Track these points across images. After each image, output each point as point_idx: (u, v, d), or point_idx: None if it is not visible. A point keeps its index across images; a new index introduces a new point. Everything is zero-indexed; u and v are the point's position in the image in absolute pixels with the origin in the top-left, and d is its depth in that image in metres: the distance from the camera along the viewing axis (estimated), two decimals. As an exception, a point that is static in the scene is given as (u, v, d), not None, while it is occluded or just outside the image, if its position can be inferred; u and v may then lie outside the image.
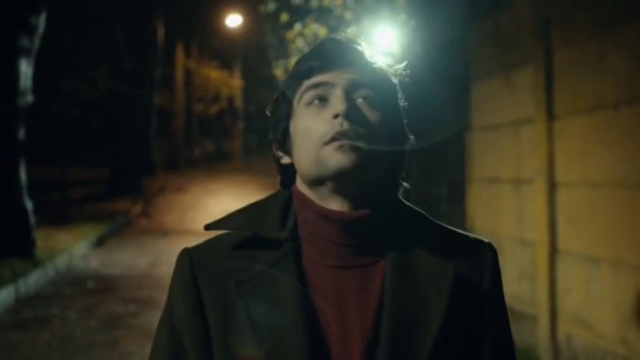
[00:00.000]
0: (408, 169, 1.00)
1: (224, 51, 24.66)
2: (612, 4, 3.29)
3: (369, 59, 0.98)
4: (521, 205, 4.42)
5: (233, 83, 25.28)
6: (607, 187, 3.39)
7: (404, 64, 1.04)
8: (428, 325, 0.91)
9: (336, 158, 0.90)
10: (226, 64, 25.15)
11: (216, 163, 24.02)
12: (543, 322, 4.00)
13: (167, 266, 7.93)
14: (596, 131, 3.47)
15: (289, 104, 0.98)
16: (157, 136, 18.99)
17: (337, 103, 0.92)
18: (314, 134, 0.93)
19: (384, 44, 7.66)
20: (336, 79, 0.95)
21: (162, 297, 6.03)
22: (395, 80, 1.00)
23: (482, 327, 0.96)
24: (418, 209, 1.02)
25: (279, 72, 9.44)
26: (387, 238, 0.96)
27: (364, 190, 0.94)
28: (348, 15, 8.24)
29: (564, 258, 3.85)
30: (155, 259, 8.38)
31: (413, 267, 0.94)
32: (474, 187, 5.30)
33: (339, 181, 0.92)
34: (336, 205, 0.94)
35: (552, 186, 3.95)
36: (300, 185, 0.99)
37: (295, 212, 0.98)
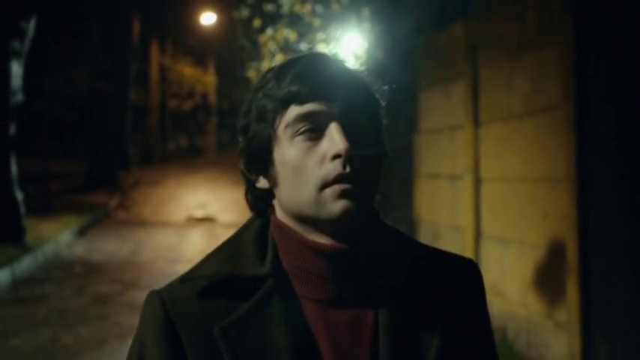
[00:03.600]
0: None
1: (198, 48, 25.25)
2: (518, 37, 4.10)
3: (359, 81, 0.92)
4: (455, 197, 5.24)
5: (207, 80, 25.88)
6: (514, 182, 4.22)
7: (371, 73, 0.96)
8: (425, 357, 0.88)
9: (340, 204, 0.85)
10: (200, 61, 25.74)
11: (190, 158, 24.62)
12: (469, 293, 4.82)
13: (147, 254, 8.61)
14: (507, 137, 4.29)
15: (270, 126, 0.90)
16: (131, 131, 19.54)
17: (336, 142, 0.85)
18: (310, 173, 0.86)
19: (350, 47, 8.44)
20: (331, 110, 0.87)
21: (145, 278, 6.83)
22: (378, 98, 0.95)
23: (471, 346, 0.93)
24: (398, 230, 0.98)
25: (252, 74, 10.15)
26: (376, 269, 0.91)
27: (355, 224, 0.89)
28: (317, 22, 8.99)
29: (486, 240, 4.68)
30: (135, 248, 9.03)
31: (405, 298, 0.90)
32: (420, 181, 6.12)
33: (339, 224, 0.87)
34: (322, 238, 0.89)
35: (477, 181, 4.77)
36: (280, 215, 0.92)
37: (275, 244, 0.92)
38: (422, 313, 0.90)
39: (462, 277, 0.96)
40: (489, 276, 4.62)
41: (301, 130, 0.87)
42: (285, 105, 0.88)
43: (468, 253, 4.85)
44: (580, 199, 3.44)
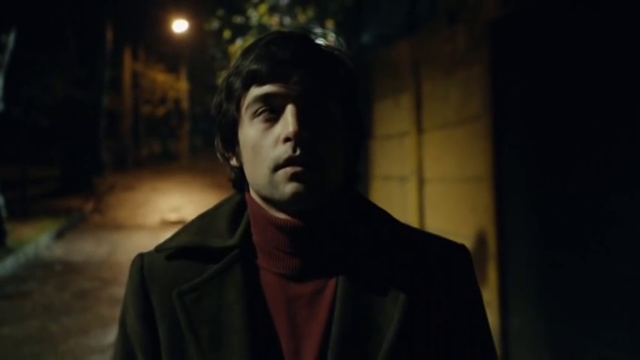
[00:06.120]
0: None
1: (171, 55, 25.64)
2: (452, 56, 4.73)
3: (323, 60, 0.91)
4: (404, 197, 5.84)
5: (179, 86, 26.28)
6: (450, 182, 4.83)
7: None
8: (382, 336, 0.87)
9: (290, 186, 0.86)
10: (173, 68, 26.13)
11: (164, 163, 24.96)
12: (416, 281, 5.43)
13: (124, 254, 9.04)
14: (444, 143, 4.91)
15: (235, 107, 0.92)
16: (105, 136, 19.86)
17: (288, 124, 0.86)
18: (264, 154, 0.88)
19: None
20: (288, 92, 0.87)
21: (123, 276, 7.36)
22: (352, 67, 0.95)
23: (455, 330, 0.92)
24: (381, 208, 0.98)
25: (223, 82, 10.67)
26: (341, 245, 0.92)
27: (318, 202, 0.89)
28: (284, 32, 9.54)
29: (429, 234, 5.29)
30: (112, 249, 9.48)
31: (368, 275, 0.90)
32: (376, 183, 6.72)
33: (293, 204, 0.88)
34: (284, 214, 0.90)
35: (421, 182, 5.38)
36: (251, 191, 0.95)
37: (249, 218, 0.95)
38: (384, 290, 0.89)
39: (445, 257, 0.95)
40: (432, 265, 5.24)
41: (259, 111, 0.89)
42: (247, 85, 0.90)
43: (414, 245, 5.45)
44: (498, 196, 4.06)
